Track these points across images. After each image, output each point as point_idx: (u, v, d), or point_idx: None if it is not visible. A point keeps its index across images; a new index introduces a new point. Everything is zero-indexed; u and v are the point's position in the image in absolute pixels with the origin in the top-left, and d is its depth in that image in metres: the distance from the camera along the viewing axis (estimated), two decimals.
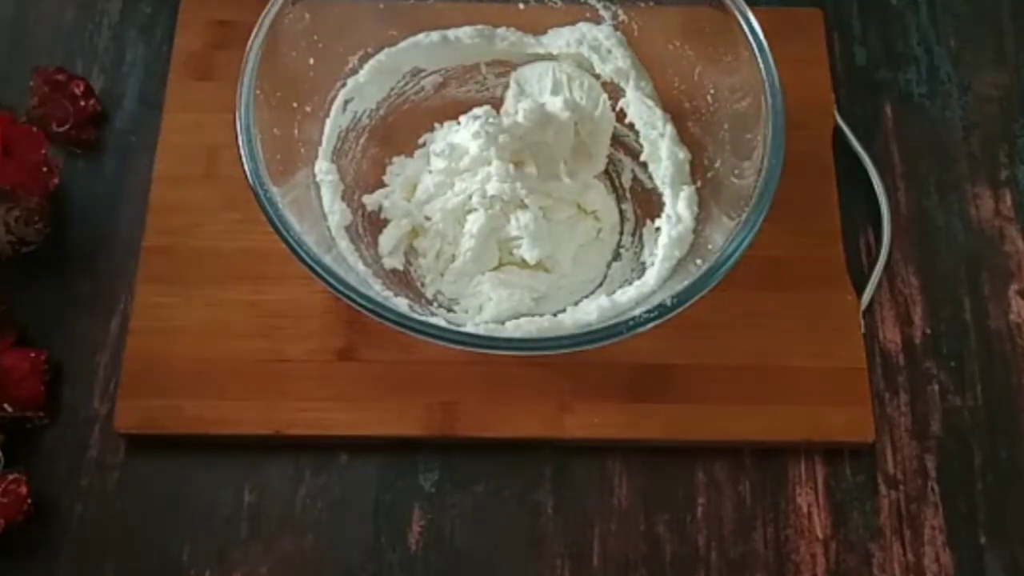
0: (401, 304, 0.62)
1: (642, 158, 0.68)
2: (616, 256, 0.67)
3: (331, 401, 0.63)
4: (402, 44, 0.70)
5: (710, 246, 0.62)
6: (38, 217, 0.66)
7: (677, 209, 0.65)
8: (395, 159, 0.69)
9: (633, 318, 0.58)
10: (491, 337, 0.60)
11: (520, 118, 0.64)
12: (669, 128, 0.68)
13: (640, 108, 0.67)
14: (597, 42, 0.69)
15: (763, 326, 0.66)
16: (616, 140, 0.69)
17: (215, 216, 0.67)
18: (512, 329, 0.61)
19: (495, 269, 0.65)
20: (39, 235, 0.66)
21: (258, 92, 0.61)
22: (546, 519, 0.63)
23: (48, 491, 0.62)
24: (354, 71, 0.69)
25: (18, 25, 0.75)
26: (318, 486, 0.63)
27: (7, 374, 0.63)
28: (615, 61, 0.69)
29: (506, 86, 0.70)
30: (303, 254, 0.58)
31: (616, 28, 0.70)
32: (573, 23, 0.70)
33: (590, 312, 0.62)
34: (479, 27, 0.70)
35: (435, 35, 0.70)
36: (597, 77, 0.68)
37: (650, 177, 0.67)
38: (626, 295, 0.63)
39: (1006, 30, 0.78)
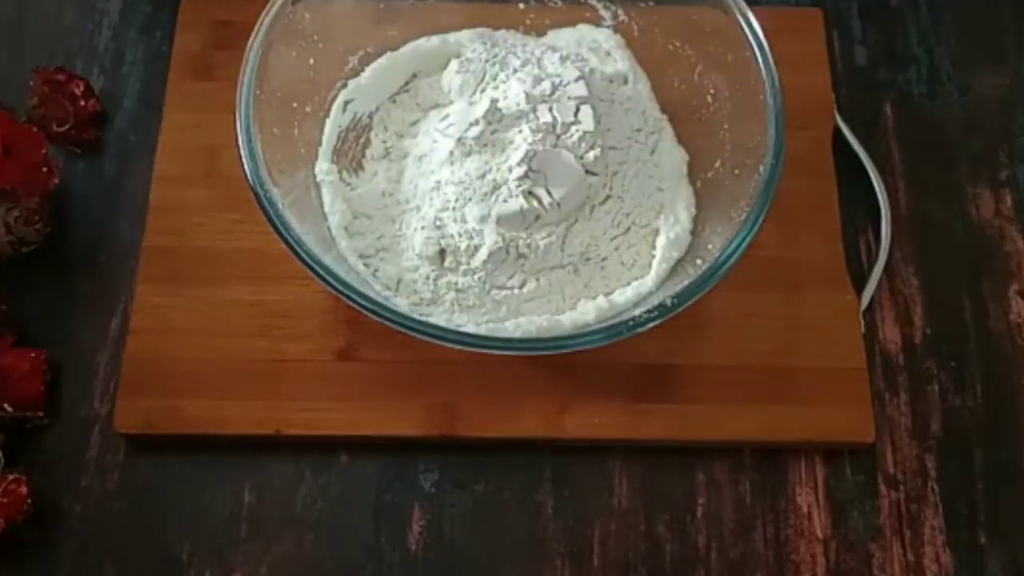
0: (401, 304, 0.63)
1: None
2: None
3: (331, 401, 0.63)
4: (403, 49, 0.70)
5: (710, 246, 0.62)
6: (38, 217, 0.66)
7: (676, 210, 0.65)
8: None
9: (633, 318, 0.58)
10: (491, 337, 0.60)
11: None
12: (668, 128, 0.68)
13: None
14: (596, 44, 0.70)
15: (763, 326, 0.66)
16: None
17: (215, 216, 0.67)
18: (512, 329, 0.61)
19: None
20: (39, 235, 0.66)
21: (258, 92, 0.61)
22: (546, 519, 0.63)
23: (48, 491, 0.62)
24: (355, 72, 0.69)
25: (18, 25, 0.75)
26: (318, 486, 0.63)
27: (7, 374, 0.63)
28: (614, 63, 0.69)
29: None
30: (303, 254, 0.58)
31: (616, 28, 0.70)
32: (573, 24, 0.71)
33: (588, 312, 0.62)
34: (479, 30, 0.70)
35: (435, 39, 0.70)
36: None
37: (650, 176, 0.67)
38: (624, 295, 0.63)
39: (1006, 30, 0.78)
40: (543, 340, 0.60)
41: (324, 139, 0.67)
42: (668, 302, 0.58)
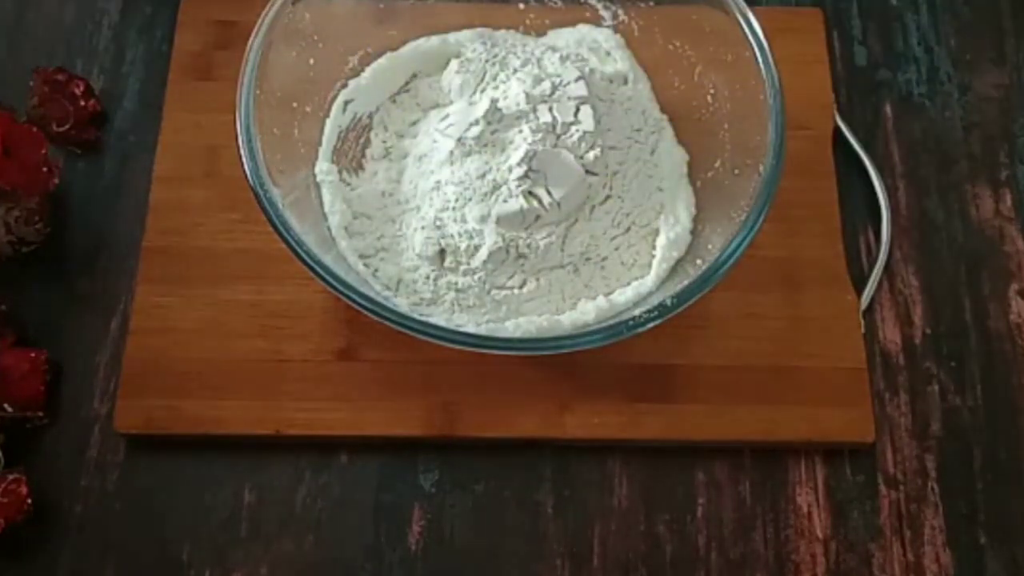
0: (401, 304, 0.63)
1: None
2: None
3: (331, 401, 0.63)
4: (403, 49, 0.70)
5: (710, 246, 0.62)
6: (38, 217, 0.66)
7: (676, 210, 0.65)
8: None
9: (633, 318, 0.58)
10: (491, 337, 0.60)
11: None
12: (668, 128, 0.68)
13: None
14: (597, 44, 0.70)
15: (763, 326, 0.66)
16: None
17: (215, 216, 0.67)
18: (512, 329, 0.61)
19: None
20: (39, 235, 0.66)
21: (258, 92, 0.61)
22: (546, 519, 0.63)
23: (48, 491, 0.62)
24: (355, 72, 0.69)
25: (18, 25, 0.75)
26: (318, 486, 0.63)
27: (7, 374, 0.63)
28: (614, 63, 0.69)
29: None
30: (303, 254, 0.58)
31: (616, 29, 0.70)
32: (573, 24, 0.71)
33: (588, 312, 0.62)
34: (479, 30, 0.70)
35: (435, 39, 0.70)
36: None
37: (650, 176, 0.67)
38: (624, 295, 0.63)
39: (1006, 30, 0.78)
40: (543, 340, 0.60)
41: (324, 139, 0.67)
42: (668, 302, 0.58)
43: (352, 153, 0.68)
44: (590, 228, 0.64)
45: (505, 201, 0.62)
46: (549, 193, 0.62)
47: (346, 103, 0.68)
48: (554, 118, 0.63)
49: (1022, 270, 0.70)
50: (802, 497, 0.64)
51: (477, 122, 0.63)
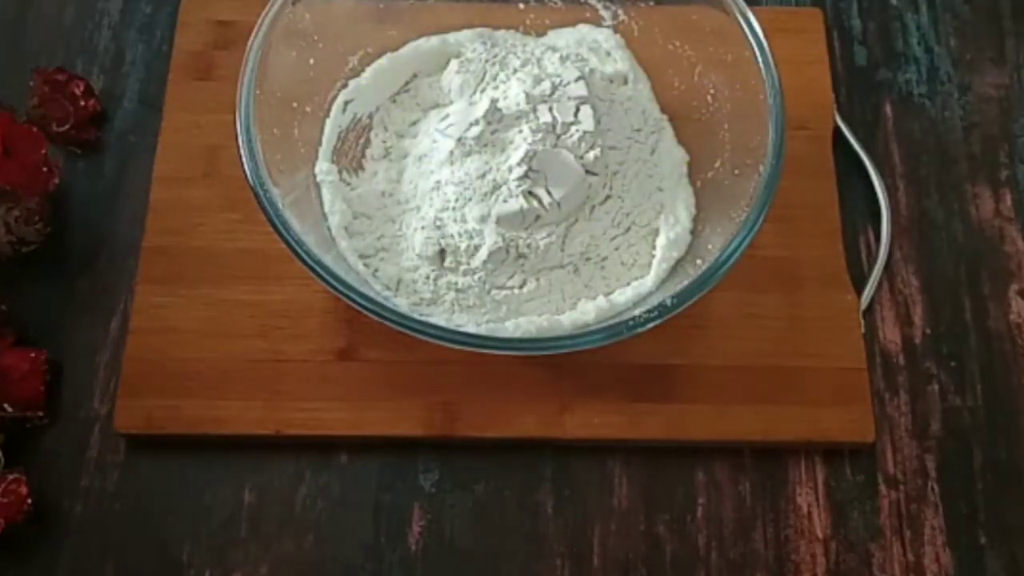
0: (401, 304, 0.63)
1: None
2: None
3: (331, 401, 0.63)
4: (403, 50, 0.70)
5: (710, 246, 0.62)
6: (38, 217, 0.66)
7: (676, 210, 0.65)
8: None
9: (633, 318, 0.58)
10: (491, 337, 0.60)
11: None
12: (668, 128, 0.68)
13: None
14: (597, 44, 0.70)
15: (763, 326, 0.66)
16: None
17: (215, 216, 0.67)
18: (512, 329, 0.61)
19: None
20: (39, 235, 0.66)
21: (258, 92, 0.61)
22: (546, 519, 0.63)
23: (48, 491, 0.62)
24: (355, 72, 0.69)
25: (18, 25, 0.75)
26: (318, 486, 0.63)
27: (7, 374, 0.63)
28: (614, 63, 0.69)
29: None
30: (303, 254, 0.58)
31: (616, 29, 0.70)
32: (573, 24, 0.71)
33: (588, 312, 0.62)
34: (479, 30, 0.70)
35: (435, 39, 0.70)
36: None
37: (650, 176, 0.67)
38: (624, 295, 0.63)
39: (1006, 30, 0.78)
40: (543, 340, 0.60)
41: (324, 139, 0.67)
42: (668, 302, 0.58)
43: (352, 153, 0.68)
44: (590, 228, 0.64)
45: (505, 201, 0.62)
46: (549, 193, 0.62)
47: (346, 103, 0.68)
48: (554, 118, 0.63)
49: (1022, 270, 0.70)
50: (802, 497, 0.64)
51: (477, 122, 0.63)
